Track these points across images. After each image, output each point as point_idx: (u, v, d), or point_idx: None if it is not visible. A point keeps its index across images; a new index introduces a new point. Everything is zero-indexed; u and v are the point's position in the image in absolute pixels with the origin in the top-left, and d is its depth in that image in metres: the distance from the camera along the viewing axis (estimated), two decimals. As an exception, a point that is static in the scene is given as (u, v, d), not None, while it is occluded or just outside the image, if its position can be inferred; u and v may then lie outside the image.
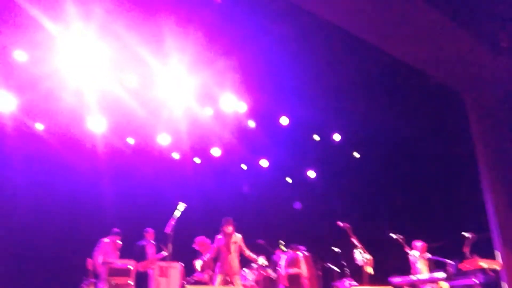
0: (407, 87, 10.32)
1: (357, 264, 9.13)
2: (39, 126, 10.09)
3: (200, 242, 9.43)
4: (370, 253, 9.08)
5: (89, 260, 8.57)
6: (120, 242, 9.11)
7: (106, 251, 8.76)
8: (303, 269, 9.63)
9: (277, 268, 9.91)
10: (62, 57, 7.60)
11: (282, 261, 9.73)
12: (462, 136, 10.24)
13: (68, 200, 10.49)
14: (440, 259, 8.97)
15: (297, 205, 9.37)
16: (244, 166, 13.25)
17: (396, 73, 9.85)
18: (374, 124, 11.11)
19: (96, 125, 9.77)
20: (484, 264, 8.60)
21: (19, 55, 7.92)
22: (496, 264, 8.42)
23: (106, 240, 8.90)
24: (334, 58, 9.12)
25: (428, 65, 9.02)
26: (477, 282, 8.55)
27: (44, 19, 6.76)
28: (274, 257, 10.18)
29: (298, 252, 9.77)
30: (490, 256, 8.76)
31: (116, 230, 9.12)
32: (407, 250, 9.11)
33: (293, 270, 9.53)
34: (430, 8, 8.05)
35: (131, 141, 11.17)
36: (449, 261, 8.90)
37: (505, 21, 8.70)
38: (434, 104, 10.70)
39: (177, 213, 8.57)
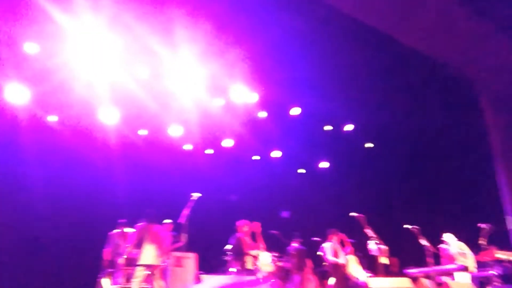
0: (420, 76, 10.14)
1: (372, 255, 9.08)
2: (52, 118, 10.13)
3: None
4: (385, 244, 9.03)
5: (105, 251, 8.65)
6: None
7: (118, 242, 8.79)
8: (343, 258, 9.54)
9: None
10: (73, 48, 7.58)
11: (327, 250, 9.59)
12: (477, 126, 10.06)
13: (81, 191, 10.52)
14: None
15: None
16: (256, 157, 13.18)
17: (409, 63, 9.67)
18: (388, 114, 10.95)
19: (108, 117, 9.76)
20: (501, 255, 8.47)
21: (30, 47, 7.92)
22: (513, 255, 8.28)
23: (116, 231, 8.95)
24: (346, 47, 8.97)
25: (442, 54, 8.85)
26: (495, 273, 8.43)
27: (54, 10, 6.73)
28: (289, 248, 10.14)
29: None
30: (508, 247, 8.61)
31: (121, 220, 9.13)
32: (422, 241, 9.00)
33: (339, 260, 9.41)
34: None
35: (143, 132, 11.15)
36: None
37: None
38: (449, 93, 10.52)
39: (191, 204, 8.59)
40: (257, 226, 9.31)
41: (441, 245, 9.26)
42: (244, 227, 9.20)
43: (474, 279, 8.56)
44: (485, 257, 8.58)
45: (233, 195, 9.87)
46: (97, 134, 10.49)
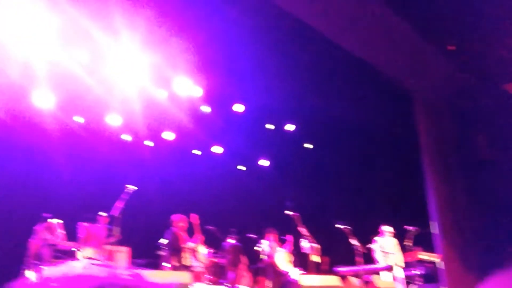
0: (362, 82, 10.45)
1: (304, 253, 9.29)
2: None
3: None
4: (317, 243, 9.26)
5: (31, 243, 8.28)
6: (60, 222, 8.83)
7: (44, 235, 8.45)
8: None
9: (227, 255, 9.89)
10: (4, 26, 7.16)
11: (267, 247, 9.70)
12: (411, 131, 10.52)
13: (12, 179, 10.04)
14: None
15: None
16: (197, 152, 13.10)
17: (352, 69, 9.94)
18: (327, 115, 11.22)
19: (43, 101, 9.35)
20: (424, 256, 8.94)
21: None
22: (435, 256, 8.73)
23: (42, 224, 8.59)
24: (290, 47, 9.09)
25: (379, 62, 9.17)
26: (418, 273, 8.87)
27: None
28: (224, 244, 10.16)
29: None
30: (432, 249, 9.07)
31: (46, 214, 8.77)
32: (352, 241, 9.31)
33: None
34: (385, 7, 8.17)
35: (79, 119, 10.76)
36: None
37: (453, 22, 8.94)
38: (386, 98, 10.90)
39: (124, 196, 8.41)
40: (195, 218, 9.28)
41: (371, 245, 9.64)
42: (180, 222, 9.15)
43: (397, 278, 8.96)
44: (409, 257, 9.03)
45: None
46: (30, 118, 10.03)
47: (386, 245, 9.67)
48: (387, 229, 9.89)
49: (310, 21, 7.90)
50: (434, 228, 9.64)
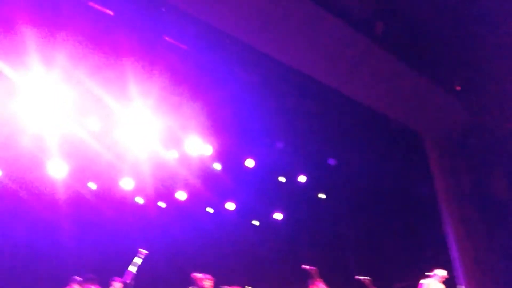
0: (370, 129, 10.57)
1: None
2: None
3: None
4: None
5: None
6: None
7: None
8: None
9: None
10: (21, 100, 7.38)
11: None
12: (425, 176, 10.47)
13: (27, 247, 10.03)
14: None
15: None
16: (210, 210, 13.05)
17: (360, 116, 10.10)
18: (339, 167, 11.25)
19: (57, 170, 9.46)
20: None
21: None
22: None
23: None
24: (298, 102, 9.29)
25: (388, 108, 9.32)
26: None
27: (2, 64, 6.61)
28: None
29: None
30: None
31: (75, 278, 8.68)
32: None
33: None
34: (390, 54, 8.42)
35: (93, 186, 10.84)
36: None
37: (459, 65, 9.15)
38: (397, 145, 10.97)
39: (137, 261, 8.28)
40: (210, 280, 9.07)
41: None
42: (206, 281, 8.85)
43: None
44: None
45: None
46: (45, 187, 10.13)
47: None
48: (440, 273, 9.38)
49: (314, 74, 8.12)
50: (457, 271, 9.41)
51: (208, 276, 8.99)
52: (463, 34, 9.37)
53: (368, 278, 9.16)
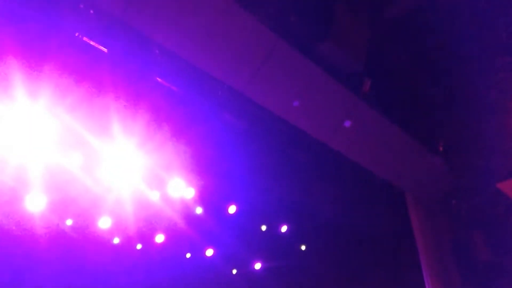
0: (355, 182, 10.56)
1: None
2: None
3: None
4: None
5: None
6: None
7: None
8: None
9: None
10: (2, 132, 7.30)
11: None
12: (406, 231, 10.41)
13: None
14: None
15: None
16: (188, 255, 12.74)
17: (345, 169, 10.10)
18: (322, 217, 11.16)
19: (35, 204, 9.24)
20: None
21: None
22: None
23: None
24: (283, 149, 9.30)
25: (372, 165, 9.40)
26: None
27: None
28: None
29: None
30: None
31: None
32: None
33: None
34: (376, 113, 8.57)
35: (69, 222, 10.59)
36: None
37: (441, 127, 9.32)
38: (381, 200, 10.95)
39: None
40: None
41: None
42: None
43: None
44: None
45: None
46: (21, 222, 9.86)
47: None
48: None
49: (300, 124, 8.17)
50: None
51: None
52: (452, 95, 9.60)
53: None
